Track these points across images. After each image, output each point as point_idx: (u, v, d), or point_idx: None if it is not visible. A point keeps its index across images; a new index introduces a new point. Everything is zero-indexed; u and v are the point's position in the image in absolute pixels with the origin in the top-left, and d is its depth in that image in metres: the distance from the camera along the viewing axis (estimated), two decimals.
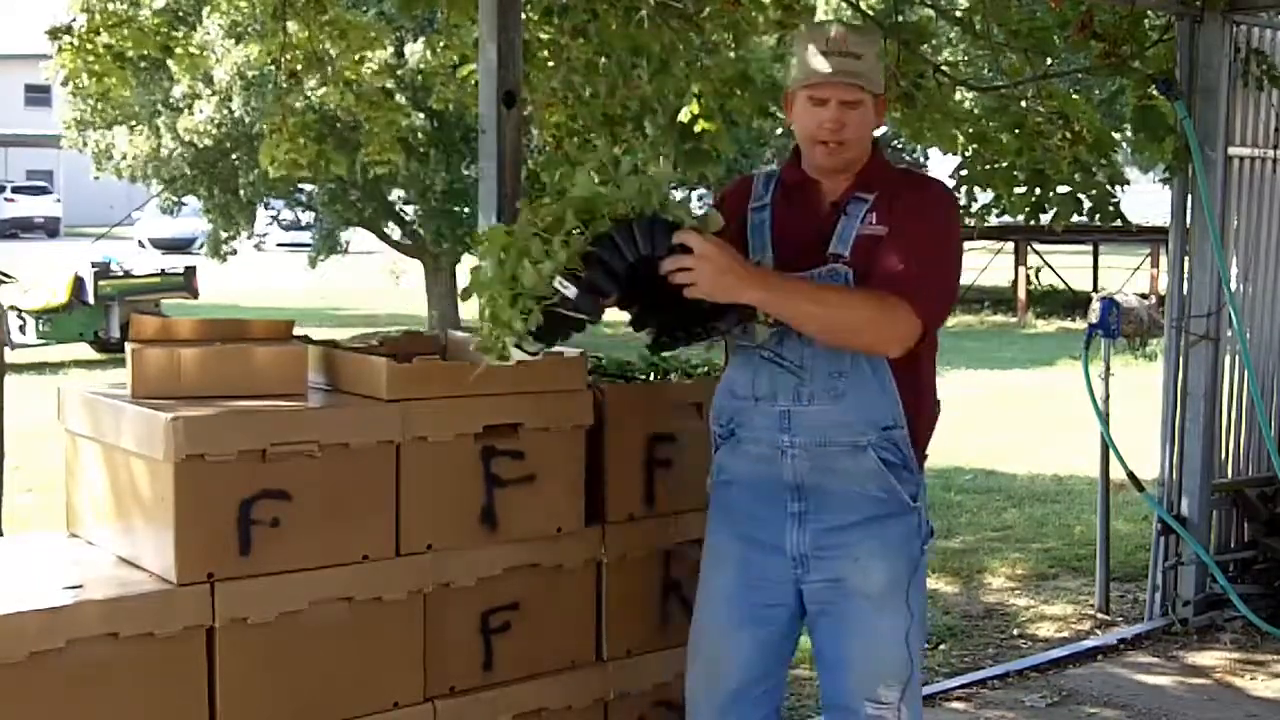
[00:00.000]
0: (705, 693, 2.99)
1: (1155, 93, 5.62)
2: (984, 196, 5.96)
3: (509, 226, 2.65)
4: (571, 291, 2.55)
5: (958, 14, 6.99)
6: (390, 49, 14.33)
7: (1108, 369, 5.93)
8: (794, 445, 2.85)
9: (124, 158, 17.28)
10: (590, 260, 2.56)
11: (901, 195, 2.87)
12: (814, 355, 2.82)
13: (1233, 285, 5.69)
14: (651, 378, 3.57)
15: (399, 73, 14.65)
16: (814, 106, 2.83)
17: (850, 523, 2.85)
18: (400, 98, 12.55)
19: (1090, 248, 22.98)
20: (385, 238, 19.52)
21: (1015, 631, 5.74)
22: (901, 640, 2.90)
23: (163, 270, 17.11)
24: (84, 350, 16.01)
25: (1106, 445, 5.85)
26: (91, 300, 15.65)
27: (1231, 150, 5.71)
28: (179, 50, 7.42)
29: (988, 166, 5.91)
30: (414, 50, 14.66)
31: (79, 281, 15.64)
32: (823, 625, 2.93)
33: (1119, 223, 5.99)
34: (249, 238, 20.06)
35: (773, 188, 2.99)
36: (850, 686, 2.88)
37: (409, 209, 18.76)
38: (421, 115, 15.26)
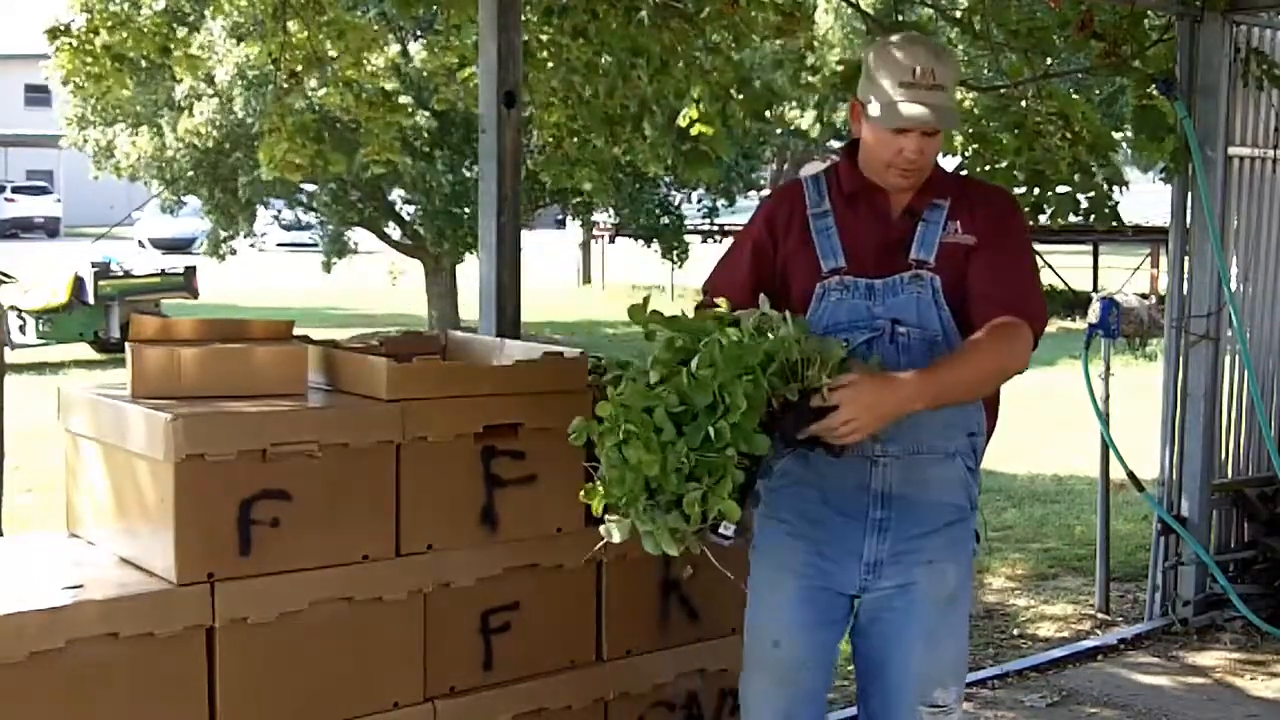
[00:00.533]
0: (771, 695, 2.91)
1: (1155, 93, 5.62)
2: None
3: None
4: (730, 533, 2.52)
5: (958, 14, 6.98)
6: (397, 47, 14.34)
7: (1108, 369, 5.92)
8: (886, 454, 2.80)
9: (125, 157, 17.27)
10: (747, 487, 2.50)
11: (978, 204, 2.87)
12: (911, 361, 2.76)
13: (1233, 285, 5.69)
14: None
15: (404, 71, 14.64)
16: (893, 135, 2.77)
17: (930, 530, 2.83)
18: (405, 97, 12.55)
19: (1090, 248, 23.00)
20: (385, 238, 19.51)
21: (1015, 631, 5.74)
22: (964, 639, 2.92)
23: (163, 270, 17.09)
24: (84, 350, 16.00)
25: (1106, 445, 5.85)
26: (91, 300, 15.63)
27: (1231, 150, 5.71)
28: (178, 52, 7.41)
29: (987, 166, 5.91)
30: (417, 49, 14.65)
31: (79, 281, 15.62)
32: (879, 632, 2.87)
33: (1115, 224, 5.99)
34: (249, 238, 20.05)
35: (828, 192, 2.93)
36: (907, 693, 2.84)
37: (409, 209, 18.75)
38: (426, 114, 15.25)
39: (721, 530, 2.50)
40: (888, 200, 2.87)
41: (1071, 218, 5.80)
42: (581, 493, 2.61)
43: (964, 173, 5.92)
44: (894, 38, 2.88)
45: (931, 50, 2.80)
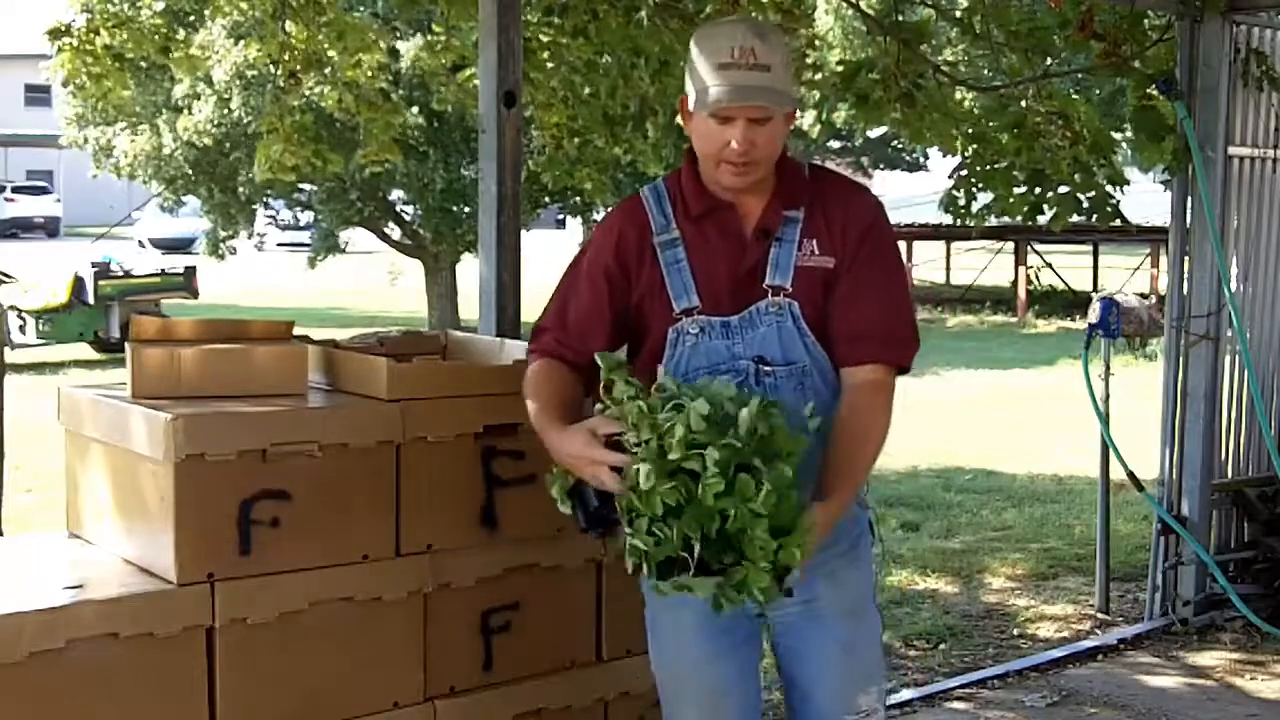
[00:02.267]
0: None
1: (1155, 93, 5.62)
2: (984, 196, 5.97)
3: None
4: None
5: (958, 14, 6.99)
6: (384, 49, 14.31)
7: (1108, 369, 5.92)
8: None
9: (124, 156, 17.28)
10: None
11: (835, 216, 2.67)
12: (782, 400, 2.51)
13: (1233, 285, 5.69)
14: None
15: (392, 70, 14.65)
16: (719, 125, 2.55)
17: (828, 542, 2.58)
18: (394, 96, 12.54)
19: (1090, 248, 23.02)
20: (385, 237, 19.53)
21: (1015, 631, 5.74)
22: (877, 643, 2.85)
23: (163, 270, 17.11)
24: (84, 350, 16.01)
25: (1106, 445, 5.85)
26: (91, 300, 15.65)
27: (1231, 150, 5.71)
28: (178, 52, 7.42)
29: (987, 166, 5.91)
30: (407, 49, 14.65)
31: (79, 281, 15.64)
32: (794, 651, 2.78)
33: (1118, 223, 5.99)
34: (248, 237, 20.07)
35: (673, 214, 2.70)
36: (829, 704, 2.77)
37: (409, 209, 18.77)
38: (415, 110, 15.26)
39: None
40: (738, 218, 2.67)
41: (1072, 217, 5.80)
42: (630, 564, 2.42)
43: (964, 172, 5.93)
44: (713, 20, 2.71)
45: (753, 29, 2.60)
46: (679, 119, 6.15)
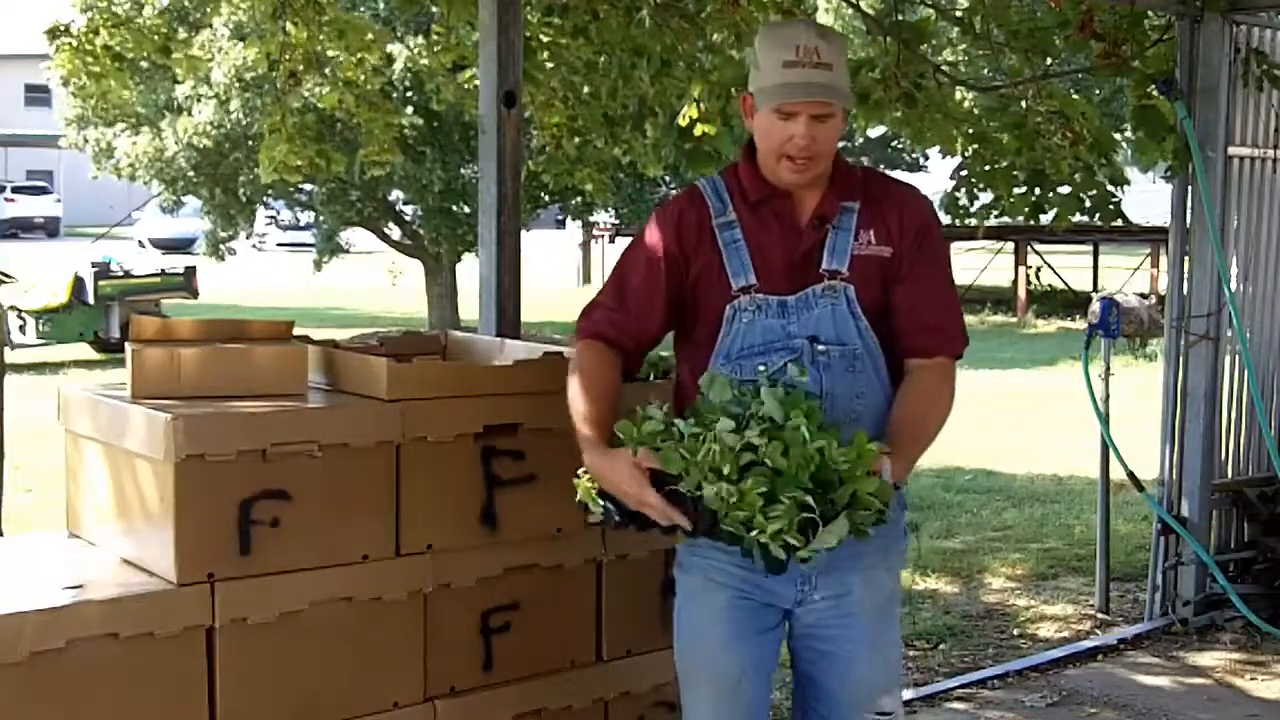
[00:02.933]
0: (719, 711, 2.81)
1: (1155, 93, 5.62)
2: (984, 196, 5.97)
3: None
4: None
5: (958, 14, 6.99)
6: (382, 50, 14.31)
7: (1108, 369, 5.92)
8: None
9: (125, 156, 17.28)
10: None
11: (890, 210, 2.76)
12: (833, 380, 2.67)
13: (1233, 285, 5.69)
14: (651, 377, 3.57)
15: (388, 72, 14.65)
16: (782, 120, 2.65)
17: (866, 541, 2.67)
18: (393, 97, 12.56)
19: (1090, 248, 23.00)
20: (385, 237, 19.53)
21: (1015, 631, 5.74)
22: (899, 641, 2.88)
23: (163, 270, 17.10)
24: (84, 350, 16.00)
25: (1106, 445, 5.85)
26: (91, 300, 15.64)
27: (1231, 150, 5.71)
28: (178, 53, 7.41)
29: (988, 166, 5.91)
30: (402, 51, 14.65)
31: (79, 281, 15.63)
32: (820, 646, 2.79)
33: (1120, 222, 5.99)
34: (249, 238, 20.08)
35: (731, 200, 2.78)
36: (855, 704, 2.79)
37: (408, 209, 18.77)
38: (411, 110, 15.26)
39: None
40: (794, 206, 2.75)
41: (1075, 217, 5.80)
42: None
43: (964, 172, 5.93)
44: (777, 21, 2.80)
45: (815, 29, 2.71)
46: (679, 119, 6.17)
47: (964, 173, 5.98)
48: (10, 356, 6.54)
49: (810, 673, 2.84)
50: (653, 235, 2.82)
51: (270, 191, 17.74)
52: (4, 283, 15.23)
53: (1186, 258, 5.76)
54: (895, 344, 2.76)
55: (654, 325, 2.80)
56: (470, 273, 9.37)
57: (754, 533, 2.44)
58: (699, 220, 2.78)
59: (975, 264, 24.49)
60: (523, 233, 4.04)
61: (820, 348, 2.69)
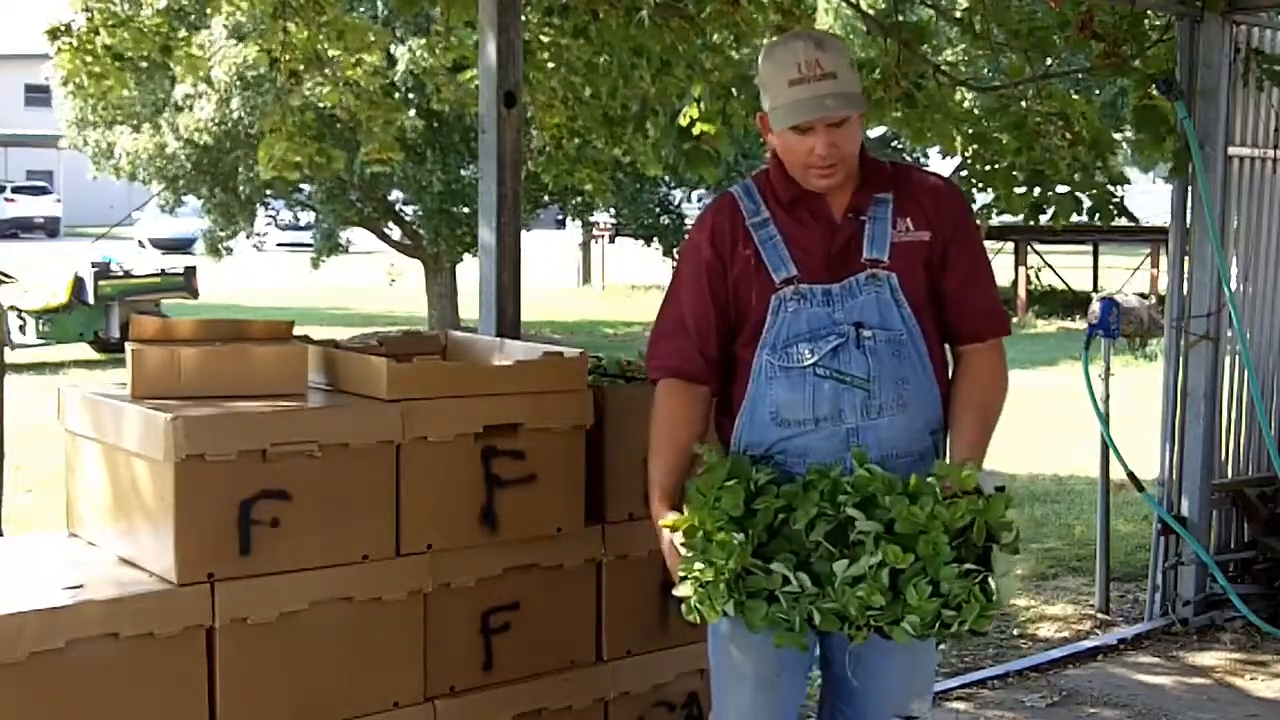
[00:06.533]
0: (758, 706, 2.80)
1: (1155, 93, 5.62)
2: (984, 196, 5.97)
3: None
4: None
5: (958, 14, 6.99)
6: (383, 51, 14.32)
7: (1108, 369, 5.92)
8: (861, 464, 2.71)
9: (125, 156, 17.27)
10: None
11: (924, 198, 2.81)
12: (880, 365, 2.70)
13: (1233, 285, 5.69)
14: None
15: (389, 74, 14.65)
16: (799, 136, 2.69)
17: None
18: (394, 97, 12.53)
19: (1090, 248, 23.00)
20: (385, 238, 19.52)
21: (1015, 631, 5.74)
22: (934, 647, 2.88)
23: (163, 270, 17.09)
24: (84, 350, 16.00)
25: (1106, 445, 5.85)
26: (91, 300, 15.64)
27: (1231, 150, 5.71)
28: (179, 52, 7.41)
29: (988, 166, 5.91)
30: (402, 52, 14.65)
31: (79, 281, 15.62)
32: (859, 648, 2.74)
33: (1123, 220, 5.98)
34: (249, 237, 20.07)
35: (765, 201, 2.81)
36: (887, 708, 2.80)
37: (408, 209, 18.76)
38: (413, 112, 15.27)
39: None
40: (827, 204, 2.78)
41: (1074, 216, 5.80)
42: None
43: (964, 172, 5.93)
44: (774, 40, 2.84)
45: (812, 40, 2.73)
46: (679, 119, 6.17)
47: (964, 173, 5.98)
48: (10, 356, 6.54)
49: (843, 675, 2.83)
50: (691, 252, 2.87)
51: (270, 191, 17.72)
52: (4, 283, 15.22)
53: (1186, 258, 5.76)
54: (947, 331, 2.84)
55: (714, 343, 2.82)
56: (470, 273, 9.37)
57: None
58: (731, 224, 2.81)
59: None
60: (523, 233, 4.04)
61: (866, 333, 2.72)
